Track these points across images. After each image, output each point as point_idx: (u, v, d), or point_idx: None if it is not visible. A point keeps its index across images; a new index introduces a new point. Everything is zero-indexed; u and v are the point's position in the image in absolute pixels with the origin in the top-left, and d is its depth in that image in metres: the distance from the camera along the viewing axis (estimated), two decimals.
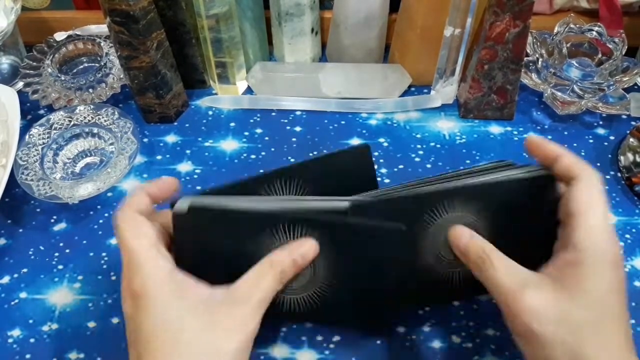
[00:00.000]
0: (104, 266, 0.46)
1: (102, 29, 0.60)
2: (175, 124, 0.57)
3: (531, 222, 0.36)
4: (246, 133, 0.55)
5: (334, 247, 0.35)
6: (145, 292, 0.31)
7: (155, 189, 0.35)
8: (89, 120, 0.52)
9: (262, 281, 0.33)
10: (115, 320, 0.42)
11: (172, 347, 0.30)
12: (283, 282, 0.34)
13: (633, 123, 0.55)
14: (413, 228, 0.36)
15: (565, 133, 0.55)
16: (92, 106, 0.53)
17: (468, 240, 0.35)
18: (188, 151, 0.54)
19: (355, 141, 0.54)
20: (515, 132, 0.55)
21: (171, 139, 0.55)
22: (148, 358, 0.30)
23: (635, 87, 0.57)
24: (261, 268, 0.33)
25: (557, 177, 0.35)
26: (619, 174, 0.51)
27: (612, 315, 0.30)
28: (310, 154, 0.53)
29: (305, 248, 0.34)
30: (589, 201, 0.32)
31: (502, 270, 0.32)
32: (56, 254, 0.47)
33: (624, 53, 0.54)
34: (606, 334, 0.30)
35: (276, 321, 0.42)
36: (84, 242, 0.47)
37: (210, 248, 0.35)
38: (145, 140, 0.55)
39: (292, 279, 0.34)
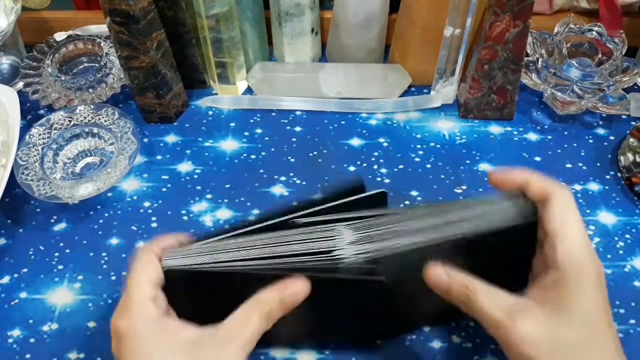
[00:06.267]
0: (104, 266, 0.46)
1: (102, 29, 0.60)
2: (175, 124, 0.57)
3: (511, 253, 0.36)
4: (246, 133, 0.55)
5: (314, 295, 0.33)
6: (128, 333, 0.31)
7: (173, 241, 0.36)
8: (89, 120, 0.52)
9: (248, 322, 0.32)
10: None
11: None
12: (270, 322, 0.32)
13: (633, 123, 0.55)
14: (397, 279, 0.34)
15: (565, 133, 0.55)
16: (92, 106, 0.53)
17: (447, 279, 0.34)
18: (188, 151, 0.54)
19: (355, 141, 0.54)
20: (515, 132, 0.55)
21: (171, 139, 0.55)
22: None
23: (635, 87, 0.57)
24: (247, 308, 0.32)
25: (533, 202, 0.35)
26: (619, 174, 0.51)
27: (601, 332, 0.31)
28: (310, 154, 0.53)
29: (296, 288, 0.33)
30: (565, 220, 0.33)
31: (489, 302, 0.32)
32: (56, 254, 0.47)
33: (624, 53, 0.54)
34: (597, 351, 0.31)
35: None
36: (84, 242, 0.47)
37: (198, 297, 0.35)
38: (145, 140, 0.55)
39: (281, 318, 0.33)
